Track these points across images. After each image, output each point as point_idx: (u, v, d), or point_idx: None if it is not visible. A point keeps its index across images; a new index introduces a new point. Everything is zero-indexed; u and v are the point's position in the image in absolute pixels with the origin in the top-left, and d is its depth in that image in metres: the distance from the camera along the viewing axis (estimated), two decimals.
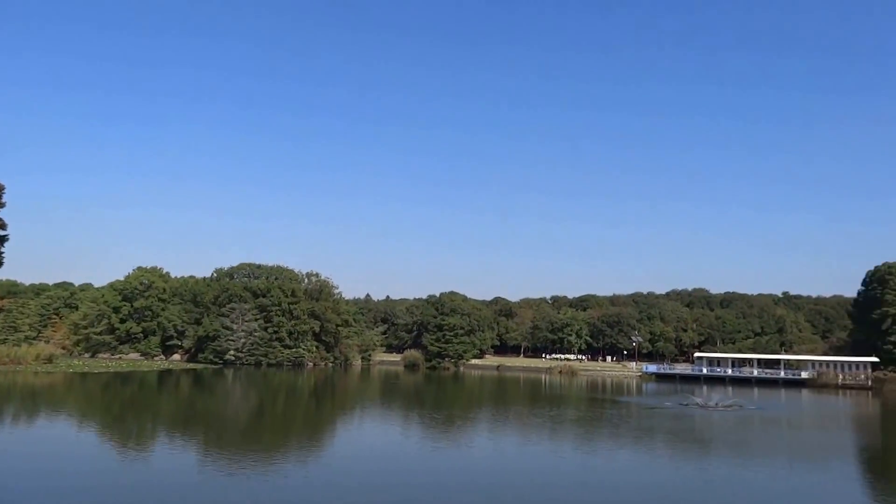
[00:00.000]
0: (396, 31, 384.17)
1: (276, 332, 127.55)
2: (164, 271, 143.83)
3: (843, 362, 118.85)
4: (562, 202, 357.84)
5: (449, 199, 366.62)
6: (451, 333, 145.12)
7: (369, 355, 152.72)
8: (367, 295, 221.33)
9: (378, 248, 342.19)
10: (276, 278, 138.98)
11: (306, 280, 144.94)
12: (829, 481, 31.81)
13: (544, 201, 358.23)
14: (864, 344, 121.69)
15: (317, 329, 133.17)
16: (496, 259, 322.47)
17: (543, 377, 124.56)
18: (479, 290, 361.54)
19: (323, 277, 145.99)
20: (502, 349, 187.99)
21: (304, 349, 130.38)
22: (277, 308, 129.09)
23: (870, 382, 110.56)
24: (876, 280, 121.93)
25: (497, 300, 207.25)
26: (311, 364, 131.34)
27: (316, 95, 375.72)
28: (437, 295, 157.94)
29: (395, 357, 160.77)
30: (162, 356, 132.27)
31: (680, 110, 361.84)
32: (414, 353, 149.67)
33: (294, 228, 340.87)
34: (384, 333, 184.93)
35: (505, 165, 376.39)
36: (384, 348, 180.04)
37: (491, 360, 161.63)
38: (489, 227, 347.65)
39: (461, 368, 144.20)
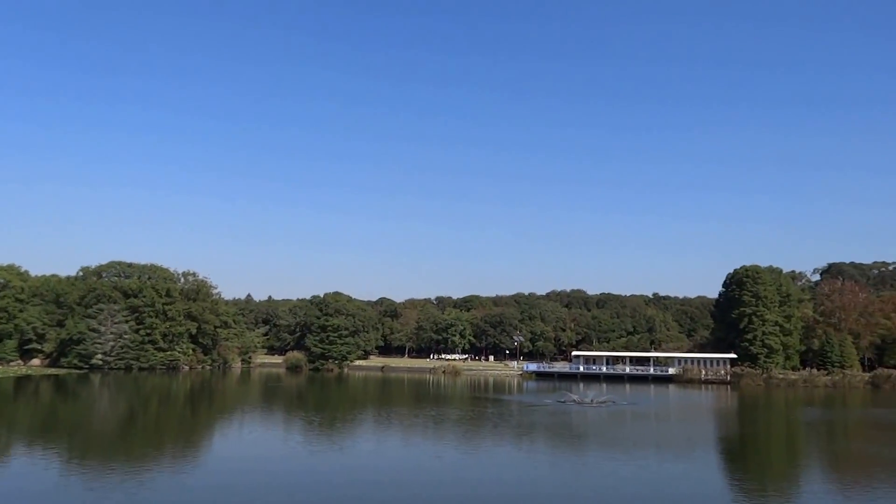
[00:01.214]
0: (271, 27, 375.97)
1: (148, 334, 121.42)
2: (23, 269, 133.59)
3: (705, 359, 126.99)
4: (446, 204, 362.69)
5: (332, 200, 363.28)
6: (336, 334, 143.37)
7: (250, 357, 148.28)
8: (249, 295, 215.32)
9: (260, 248, 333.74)
10: (149, 278, 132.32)
11: (182, 280, 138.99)
12: (693, 470, 33.85)
13: (428, 203, 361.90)
14: (724, 341, 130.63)
15: (193, 331, 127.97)
16: (381, 259, 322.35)
17: (428, 377, 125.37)
18: (364, 290, 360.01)
19: (200, 277, 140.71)
20: (387, 350, 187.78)
21: (179, 352, 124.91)
22: (150, 309, 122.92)
23: (729, 377, 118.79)
24: (735, 282, 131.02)
25: (382, 300, 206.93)
26: (186, 367, 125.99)
27: (191, 94, 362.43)
28: (322, 295, 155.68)
29: (278, 359, 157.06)
30: (19, 361, 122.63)
31: (556, 118, 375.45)
32: (297, 355, 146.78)
33: (170, 228, 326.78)
34: (266, 335, 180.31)
35: (387, 166, 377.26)
36: (266, 350, 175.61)
37: (376, 360, 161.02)
38: (374, 227, 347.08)
39: (345, 370, 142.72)
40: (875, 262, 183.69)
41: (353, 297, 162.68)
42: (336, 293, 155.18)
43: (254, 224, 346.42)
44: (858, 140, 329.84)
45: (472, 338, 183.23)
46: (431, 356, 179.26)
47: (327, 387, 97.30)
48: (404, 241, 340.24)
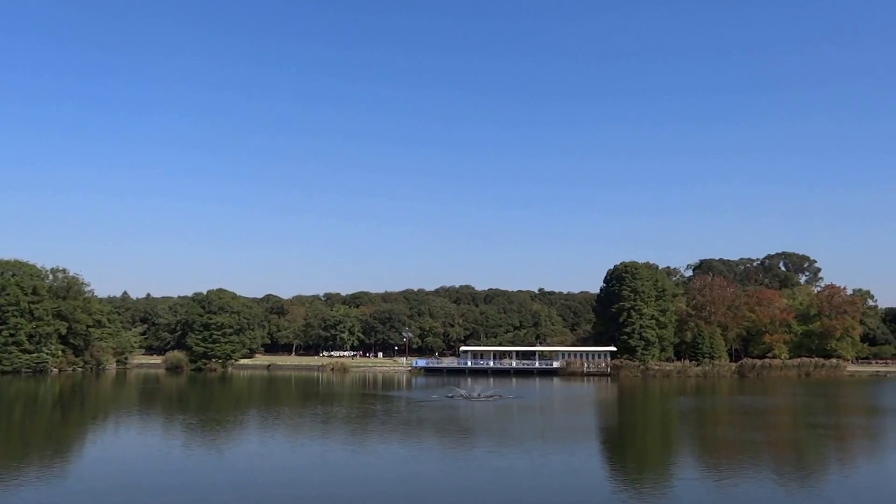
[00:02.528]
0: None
1: (12, 334, 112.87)
2: None
3: (587, 352, 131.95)
4: (334, 199, 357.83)
5: (215, 192, 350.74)
6: (219, 332, 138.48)
7: (126, 358, 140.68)
8: (125, 293, 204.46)
9: (137, 244, 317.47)
10: (13, 274, 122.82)
11: (51, 277, 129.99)
12: (576, 461, 34.78)
13: (315, 197, 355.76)
14: (605, 335, 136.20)
15: (63, 331, 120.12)
16: (268, 255, 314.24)
17: (316, 375, 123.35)
18: (250, 287, 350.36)
19: (71, 274, 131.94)
20: (274, 348, 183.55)
21: (47, 353, 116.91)
22: (15, 308, 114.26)
23: (609, 369, 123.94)
24: (615, 278, 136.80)
25: (268, 297, 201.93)
26: (55, 370, 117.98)
27: (51, 83, 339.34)
28: (205, 292, 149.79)
29: (157, 359, 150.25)
30: None
31: (446, 113, 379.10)
32: (177, 355, 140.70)
33: (37, 223, 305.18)
34: (143, 334, 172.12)
35: (272, 158, 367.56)
36: (144, 350, 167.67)
37: (262, 359, 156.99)
38: (260, 221, 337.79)
39: (229, 369, 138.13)
40: (741, 259, 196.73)
41: (238, 293, 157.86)
42: (220, 290, 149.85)
43: (130, 218, 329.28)
44: (729, 145, 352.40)
45: (360, 334, 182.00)
46: (320, 353, 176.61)
47: (210, 387, 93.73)
48: (291, 236, 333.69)
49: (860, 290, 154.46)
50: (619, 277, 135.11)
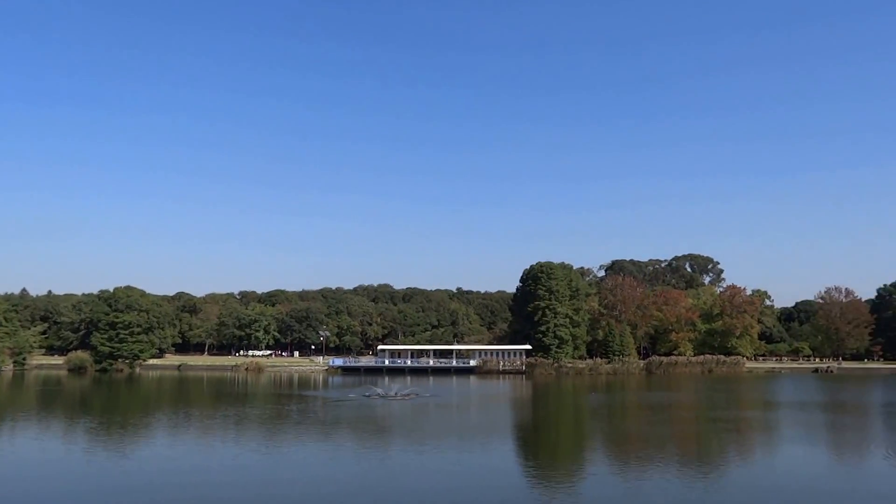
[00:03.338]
0: None
1: None
2: None
3: (503, 350, 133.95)
4: (249, 192, 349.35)
5: (124, 185, 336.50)
6: (126, 332, 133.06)
7: (24, 359, 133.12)
8: (24, 290, 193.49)
9: (37, 239, 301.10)
10: None
11: None
12: (492, 458, 35.34)
13: (227, 188, 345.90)
14: (520, 333, 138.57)
15: None
16: (179, 252, 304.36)
17: (229, 375, 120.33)
18: (160, 284, 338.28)
19: None
20: (185, 347, 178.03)
21: None
22: None
23: (524, 367, 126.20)
24: (531, 278, 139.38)
25: (180, 295, 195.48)
26: None
27: None
28: (111, 290, 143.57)
29: (59, 360, 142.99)
30: None
31: (365, 105, 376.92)
32: (81, 355, 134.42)
33: None
34: (44, 333, 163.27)
35: (182, 145, 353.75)
36: (44, 350, 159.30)
37: (172, 359, 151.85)
38: (170, 214, 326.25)
39: (137, 370, 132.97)
40: (650, 260, 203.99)
41: (148, 291, 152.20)
42: (128, 287, 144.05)
43: (27, 212, 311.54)
44: (638, 147, 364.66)
45: (276, 333, 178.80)
46: (233, 353, 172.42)
47: (116, 389, 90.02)
48: (204, 231, 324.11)
49: (759, 290, 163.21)
50: (534, 277, 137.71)
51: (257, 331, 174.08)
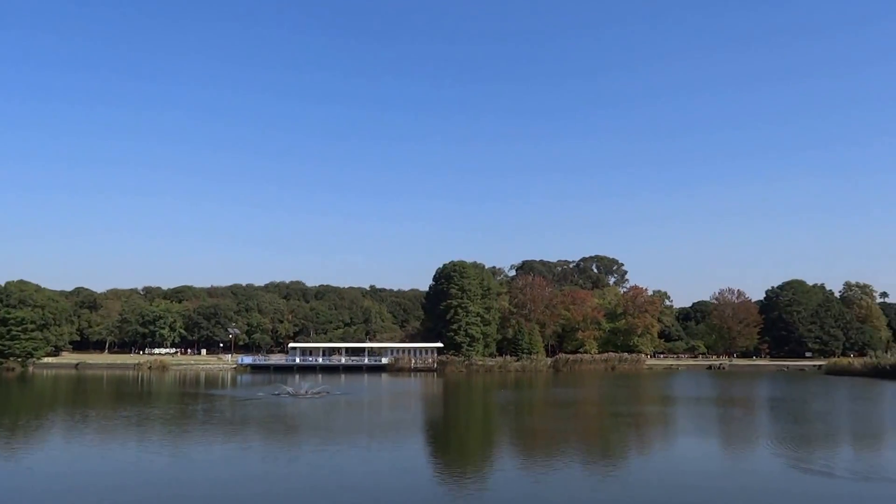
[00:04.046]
0: None
1: None
2: None
3: (415, 348, 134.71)
4: (153, 181, 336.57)
5: (19, 175, 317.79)
6: (19, 328, 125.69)
7: None
8: None
9: None
10: None
11: None
12: (402, 456, 35.75)
13: (132, 177, 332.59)
14: (433, 331, 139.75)
15: None
16: (79, 245, 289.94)
17: (131, 374, 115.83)
18: (57, 279, 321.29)
19: None
20: (84, 345, 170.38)
21: None
22: None
23: (435, 365, 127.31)
24: (443, 276, 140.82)
25: (79, 290, 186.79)
26: None
27: None
28: (3, 284, 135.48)
29: None
30: None
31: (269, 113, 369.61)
32: None
33: None
34: None
35: (80, 131, 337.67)
36: None
37: (69, 357, 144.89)
38: (68, 206, 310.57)
39: (30, 368, 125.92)
40: (559, 261, 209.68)
41: (43, 286, 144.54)
42: (21, 281, 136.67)
43: None
44: (550, 147, 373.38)
45: (183, 331, 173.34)
46: (137, 351, 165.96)
47: (6, 388, 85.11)
48: (106, 222, 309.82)
49: (659, 291, 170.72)
50: (447, 276, 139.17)
51: (162, 328, 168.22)
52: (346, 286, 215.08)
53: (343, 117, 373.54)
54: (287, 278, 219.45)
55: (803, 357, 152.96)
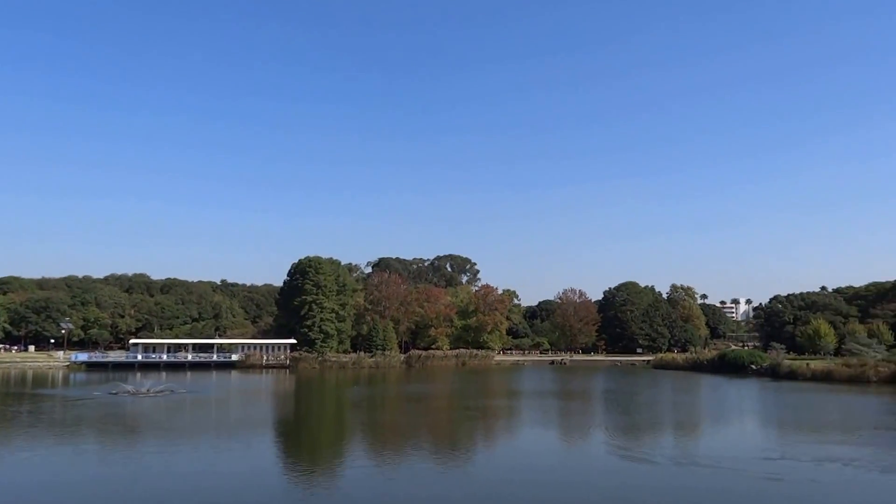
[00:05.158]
0: None
1: None
2: None
3: (267, 344, 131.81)
4: None
5: None
6: None
7: None
8: None
9: None
10: None
11: None
12: (249, 454, 35.19)
13: None
14: (286, 327, 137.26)
15: None
16: None
17: None
18: None
19: None
20: None
21: None
22: None
23: (288, 361, 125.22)
24: (299, 271, 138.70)
25: None
26: None
27: None
28: None
29: None
30: None
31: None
32: None
33: None
34: None
35: None
36: None
37: None
38: None
39: None
40: (415, 259, 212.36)
41: None
42: None
43: None
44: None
45: (8, 325, 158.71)
46: None
47: None
48: None
49: (508, 290, 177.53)
50: (302, 271, 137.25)
51: None
52: (195, 280, 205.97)
53: (183, 101, 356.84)
54: (130, 270, 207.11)
55: (635, 353, 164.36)
